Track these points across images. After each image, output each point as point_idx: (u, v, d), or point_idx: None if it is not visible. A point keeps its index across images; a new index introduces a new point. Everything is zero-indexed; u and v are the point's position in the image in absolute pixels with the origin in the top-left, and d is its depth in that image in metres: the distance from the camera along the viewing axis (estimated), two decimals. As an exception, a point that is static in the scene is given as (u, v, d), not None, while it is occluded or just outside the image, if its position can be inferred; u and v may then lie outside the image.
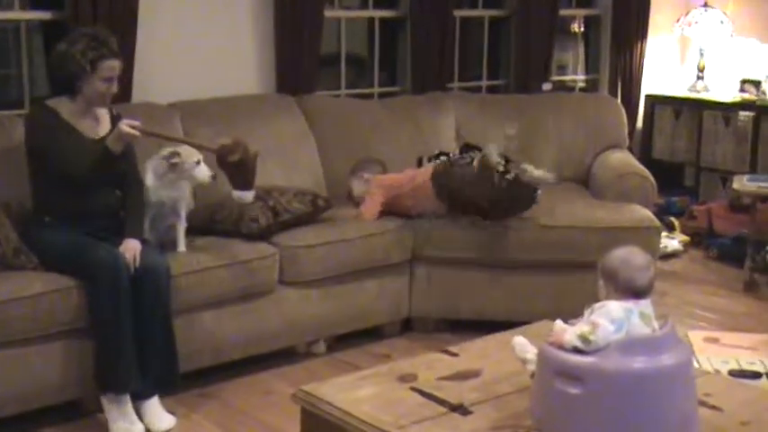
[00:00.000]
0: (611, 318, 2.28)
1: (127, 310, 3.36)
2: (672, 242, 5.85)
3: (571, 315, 4.16)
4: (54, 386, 3.43)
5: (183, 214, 3.84)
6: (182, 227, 3.83)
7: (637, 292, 2.33)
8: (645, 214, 4.37)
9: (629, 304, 2.32)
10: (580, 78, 6.59)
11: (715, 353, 4.21)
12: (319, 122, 4.83)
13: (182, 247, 3.81)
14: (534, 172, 4.28)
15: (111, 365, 3.38)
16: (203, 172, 3.76)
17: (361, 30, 5.58)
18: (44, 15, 4.40)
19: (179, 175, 3.75)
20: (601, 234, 4.26)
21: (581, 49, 6.69)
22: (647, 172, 4.66)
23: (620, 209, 4.43)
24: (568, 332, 2.31)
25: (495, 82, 6.09)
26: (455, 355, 2.85)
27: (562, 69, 6.57)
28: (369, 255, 4.19)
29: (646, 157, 6.59)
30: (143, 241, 3.57)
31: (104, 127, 3.62)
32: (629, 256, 2.39)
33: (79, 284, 3.40)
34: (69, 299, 3.38)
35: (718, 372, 3.91)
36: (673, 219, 6.14)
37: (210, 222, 4.03)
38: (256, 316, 3.91)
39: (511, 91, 5.93)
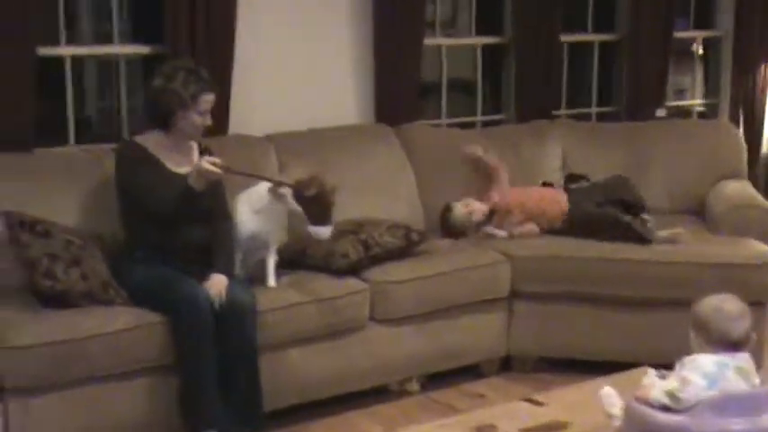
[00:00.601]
0: (702, 372, 2.09)
1: (209, 346, 3.31)
2: None
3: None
4: (139, 424, 3.39)
5: (274, 248, 3.77)
6: (272, 261, 3.76)
7: (731, 344, 2.12)
8: (762, 250, 4.07)
9: (724, 357, 2.11)
10: (699, 103, 6.28)
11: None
12: (418, 153, 4.71)
13: (271, 281, 3.74)
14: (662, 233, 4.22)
15: (195, 403, 3.33)
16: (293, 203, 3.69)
17: (464, 57, 5.43)
18: (142, 49, 4.43)
19: (284, 207, 3.68)
20: (714, 270, 4.00)
21: (700, 73, 6.38)
22: (767, 203, 4.36)
23: (736, 243, 4.15)
24: (656, 388, 2.12)
25: (605, 109, 5.85)
26: (541, 404, 2.67)
27: (680, 94, 6.30)
28: (464, 290, 4.03)
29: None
30: (231, 277, 3.52)
31: (192, 160, 3.59)
32: (722, 305, 2.18)
33: (164, 320, 3.36)
34: (153, 335, 3.35)
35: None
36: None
37: (301, 256, 3.94)
38: (345, 353, 3.80)
39: (622, 118, 5.68)
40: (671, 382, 2.09)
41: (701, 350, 2.16)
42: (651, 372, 2.20)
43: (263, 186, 3.70)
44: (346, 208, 4.25)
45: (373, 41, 4.77)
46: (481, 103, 5.38)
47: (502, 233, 4.34)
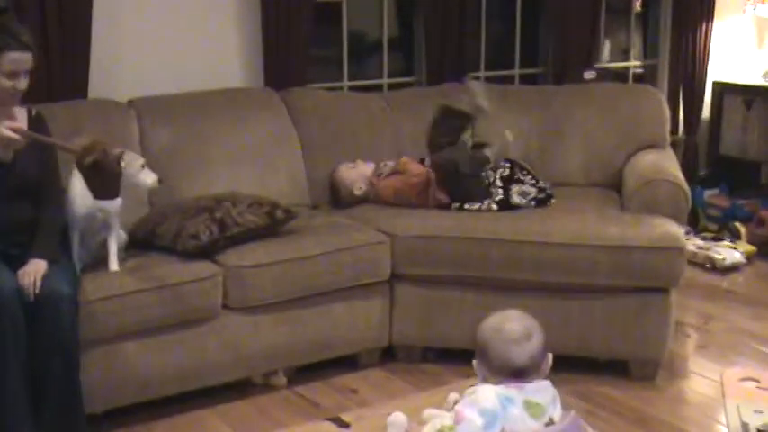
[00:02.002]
0: (480, 408, 1.69)
1: (13, 344, 2.91)
2: (732, 253, 5.09)
3: (577, 345, 3.59)
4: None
5: (117, 228, 3.38)
6: (114, 243, 3.37)
7: (516, 372, 1.72)
8: (667, 231, 3.66)
9: (510, 390, 1.71)
10: (636, 65, 5.83)
11: (749, 398, 3.50)
12: (306, 120, 4.29)
13: (113, 265, 3.34)
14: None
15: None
16: (149, 176, 3.31)
17: (371, 13, 4.97)
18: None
19: (125, 182, 3.30)
20: (610, 254, 3.62)
21: (638, 33, 5.93)
22: (680, 177, 3.93)
23: (641, 223, 3.73)
24: (427, 427, 1.71)
25: (531, 70, 5.41)
26: (346, 425, 2.27)
27: (617, 55, 5.84)
28: (335, 274, 3.63)
29: (713, 153, 5.85)
30: (54, 262, 3.11)
31: None
32: (502, 325, 1.78)
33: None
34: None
35: (746, 426, 3.23)
36: (738, 225, 5.37)
37: (152, 237, 3.55)
38: (195, 345, 3.41)
39: (548, 81, 5.25)
40: (443, 419, 1.70)
41: (485, 380, 1.75)
42: (428, 410, 1.80)
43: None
44: (216, 181, 3.91)
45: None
46: (388, 65, 4.93)
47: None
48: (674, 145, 5.74)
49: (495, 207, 3.92)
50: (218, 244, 3.48)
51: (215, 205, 3.56)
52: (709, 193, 5.64)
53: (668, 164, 4.14)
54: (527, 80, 5.36)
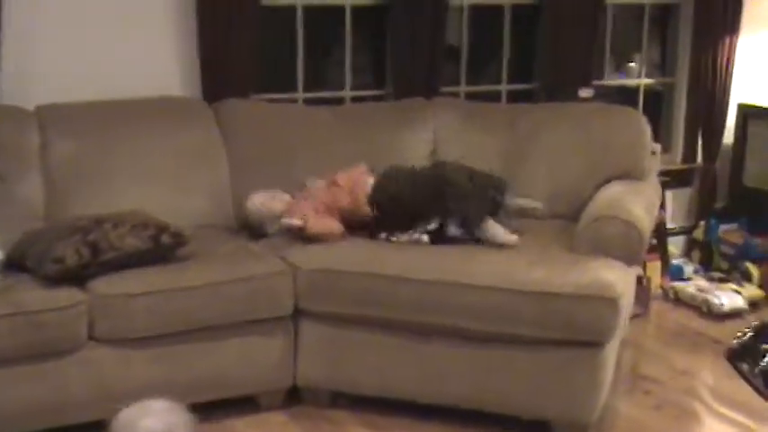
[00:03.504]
0: None
1: None
2: (734, 298, 4.52)
3: (497, 401, 3.16)
4: None
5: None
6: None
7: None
8: (599, 278, 3.17)
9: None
10: (648, 83, 5.29)
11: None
12: (237, 134, 3.95)
13: (-31, 285, 3.08)
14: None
15: None
16: None
17: (333, 19, 4.59)
18: None
19: None
20: (533, 301, 3.17)
21: (653, 47, 5.39)
22: (636, 214, 3.43)
23: (575, 266, 3.26)
24: None
25: (521, 86, 4.94)
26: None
27: (624, 72, 5.32)
28: (223, 308, 3.28)
29: (734, 183, 5.26)
30: None
31: None
32: (137, 421, 1.41)
33: None
34: None
35: None
36: (750, 266, 4.79)
37: (22, 257, 3.27)
38: (55, 380, 3.11)
39: (540, 99, 4.78)
40: None
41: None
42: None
43: None
44: (120, 198, 3.62)
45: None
46: (351, 76, 4.54)
47: (297, 222, 3.54)
48: (690, 173, 5.23)
49: (425, 239, 3.50)
50: (89, 269, 3.17)
51: (93, 226, 3.25)
52: (725, 228, 5.07)
53: (630, 198, 3.64)
54: (518, 97, 4.89)
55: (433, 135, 4.23)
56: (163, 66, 4.08)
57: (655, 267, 4.76)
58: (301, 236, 3.51)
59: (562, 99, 4.58)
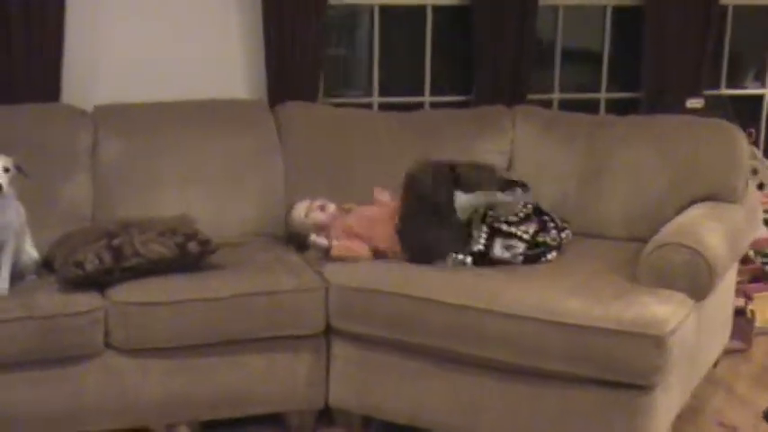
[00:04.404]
0: None
1: None
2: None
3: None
4: None
5: (10, 244, 3.08)
6: (7, 260, 3.07)
7: None
8: (646, 313, 2.82)
9: None
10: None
11: None
12: (294, 138, 3.81)
13: (2, 281, 3.05)
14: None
15: None
16: None
17: (415, 19, 4.36)
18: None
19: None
20: (563, 333, 2.86)
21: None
22: (705, 243, 3.04)
23: (622, 297, 2.92)
24: None
25: (625, 95, 4.55)
26: None
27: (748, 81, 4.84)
28: (246, 322, 3.14)
29: None
30: None
31: None
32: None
33: None
34: None
35: None
36: None
37: (51, 259, 3.25)
38: (70, 386, 3.05)
39: (643, 109, 4.40)
40: None
41: None
42: None
43: None
44: (164, 202, 3.56)
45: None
46: (430, 80, 4.31)
47: (324, 242, 3.37)
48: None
49: (469, 260, 3.24)
50: (112, 274, 3.10)
51: (120, 230, 3.18)
52: None
53: (708, 223, 3.25)
54: (622, 106, 4.51)
55: (510, 147, 3.95)
56: (229, 67, 4.00)
57: (764, 300, 4.28)
58: (327, 256, 3.33)
59: (668, 109, 4.20)
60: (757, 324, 4.17)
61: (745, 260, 4.28)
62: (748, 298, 4.15)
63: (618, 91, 4.54)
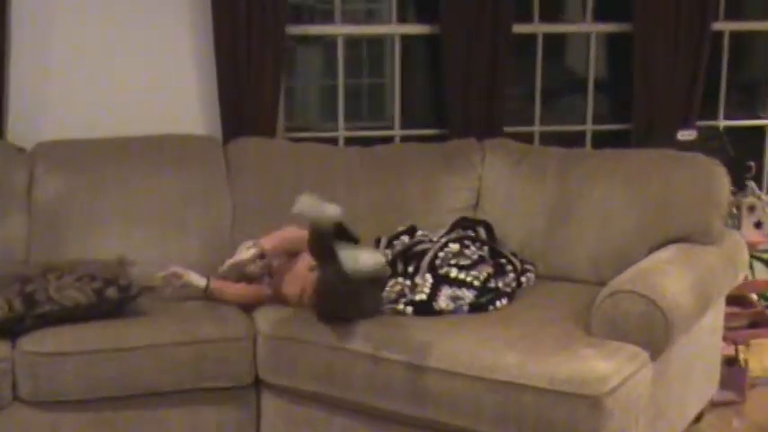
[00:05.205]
0: None
1: None
2: None
3: None
4: None
5: None
6: None
7: None
8: (584, 369, 2.53)
9: None
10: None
11: None
12: (245, 176, 3.62)
13: None
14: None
15: None
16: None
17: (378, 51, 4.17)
18: None
19: None
20: (498, 394, 2.58)
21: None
22: (663, 291, 2.74)
23: (561, 351, 2.63)
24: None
25: (613, 126, 4.27)
26: None
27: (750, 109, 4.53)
28: (167, 373, 2.93)
29: None
30: None
31: None
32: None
33: None
34: None
35: None
36: None
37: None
38: (-24, 441, 2.88)
39: (633, 141, 4.12)
40: None
41: None
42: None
43: None
44: (105, 241, 3.39)
45: (213, 31, 3.71)
46: (399, 113, 4.08)
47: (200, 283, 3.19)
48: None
49: (410, 310, 2.99)
50: (23, 322, 2.91)
51: (37, 275, 3.01)
52: None
53: (672, 268, 2.95)
54: (601, 140, 4.22)
55: (479, 183, 3.70)
56: (184, 102, 3.83)
57: (763, 347, 3.95)
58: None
59: (658, 142, 3.91)
60: (753, 374, 3.84)
61: (743, 303, 3.96)
62: (739, 345, 3.82)
63: (610, 122, 4.26)
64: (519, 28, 3.99)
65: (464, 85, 3.91)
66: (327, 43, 4.03)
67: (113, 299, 3.00)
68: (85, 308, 2.97)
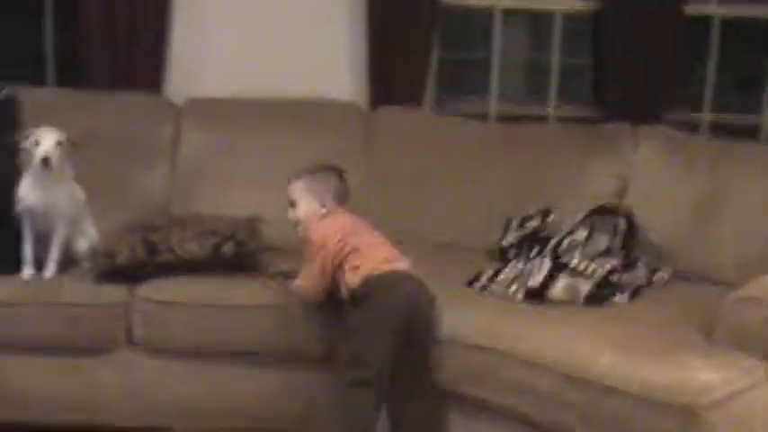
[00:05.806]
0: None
1: None
2: None
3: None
4: None
5: (61, 227, 3.05)
6: (56, 244, 3.06)
7: None
8: (682, 378, 2.32)
9: None
10: None
11: None
12: (382, 146, 3.58)
13: (48, 272, 3.05)
14: None
15: None
16: (38, 154, 2.93)
17: (542, 28, 3.98)
18: None
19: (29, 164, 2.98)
20: (584, 394, 2.43)
21: None
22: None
23: (665, 356, 2.43)
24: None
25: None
26: None
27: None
28: (261, 334, 2.93)
29: None
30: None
31: None
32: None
33: None
34: None
35: None
36: None
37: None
38: (85, 378, 3.00)
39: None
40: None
41: None
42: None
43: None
44: (239, 201, 3.47)
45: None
46: (555, 91, 3.90)
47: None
48: None
49: (520, 296, 2.86)
50: (144, 268, 3.01)
51: (163, 226, 3.11)
52: None
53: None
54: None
55: (629, 170, 3.48)
56: (333, 67, 3.83)
57: None
58: None
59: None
60: None
61: None
62: None
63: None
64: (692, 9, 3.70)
65: (624, 68, 3.68)
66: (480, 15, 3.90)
67: (228, 254, 3.04)
68: (202, 261, 3.03)
